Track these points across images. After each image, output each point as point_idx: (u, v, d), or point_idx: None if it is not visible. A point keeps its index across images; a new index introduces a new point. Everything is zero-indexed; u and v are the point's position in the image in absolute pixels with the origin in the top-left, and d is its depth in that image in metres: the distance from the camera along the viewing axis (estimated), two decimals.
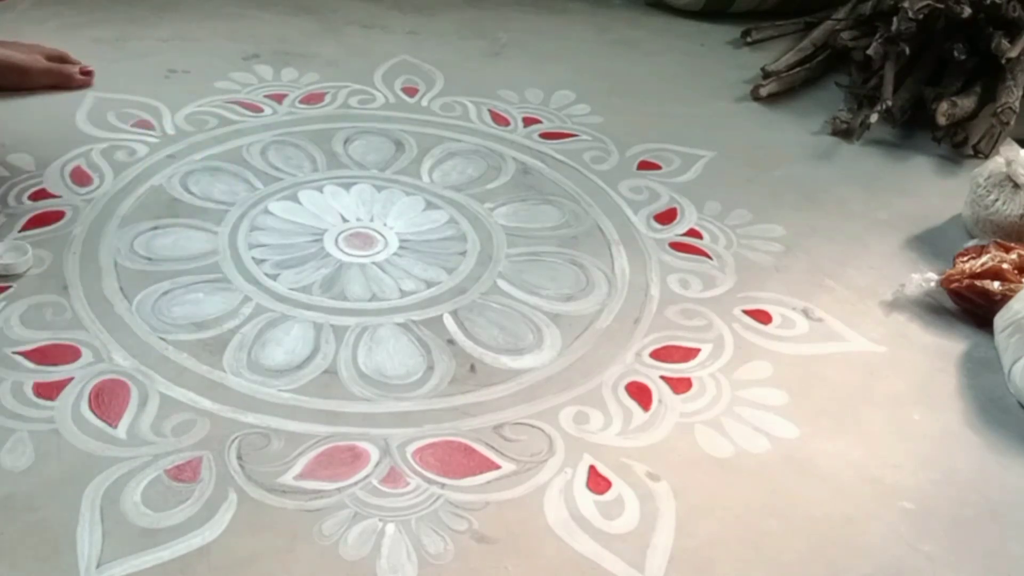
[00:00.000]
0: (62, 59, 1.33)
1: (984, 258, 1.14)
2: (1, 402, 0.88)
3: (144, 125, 1.32)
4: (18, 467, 0.82)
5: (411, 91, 1.47)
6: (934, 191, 1.38)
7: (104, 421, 0.87)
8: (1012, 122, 1.45)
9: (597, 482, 0.87)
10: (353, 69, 1.51)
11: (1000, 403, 1.01)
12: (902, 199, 1.35)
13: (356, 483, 0.84)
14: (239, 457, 0.85)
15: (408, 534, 0.80)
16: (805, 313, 1.11)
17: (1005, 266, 1.12)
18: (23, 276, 1.02)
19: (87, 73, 1.32)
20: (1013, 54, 1.48)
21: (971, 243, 1.22)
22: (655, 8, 1.87)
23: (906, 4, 1.52)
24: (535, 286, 1.10)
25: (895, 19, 1.53)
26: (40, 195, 1.16)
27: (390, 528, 0.80)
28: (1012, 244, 1.17)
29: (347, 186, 1.24)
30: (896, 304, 1.14)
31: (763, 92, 1.57)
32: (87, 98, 1.34)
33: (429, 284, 1.09)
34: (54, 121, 1.29)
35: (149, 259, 1.08)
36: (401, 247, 1.14)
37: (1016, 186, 1.23)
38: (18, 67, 1.29)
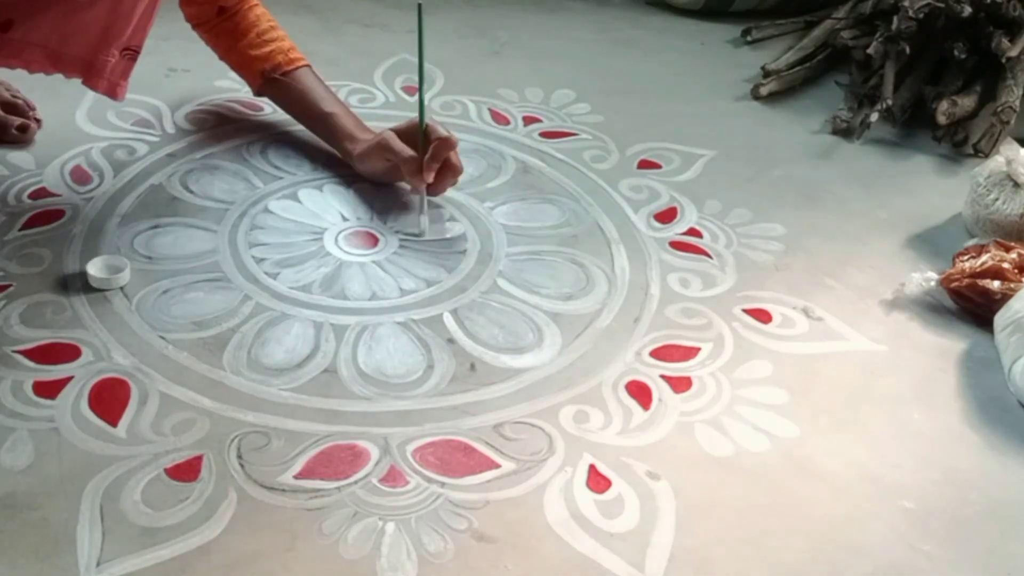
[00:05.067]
0: (14, 107, 1.26)
1: (984, 257, 1.14)
2: (1, 401, 0.88)
3: (144, 124, 1.32)
4: (18, 466, 0.82)
5: (411, 90, 1.47)
6: (934, 190, 1.38)
7: (104, 420, 0.87)
8: (1012, 121, 1.45)
9: (597, 481, 0.87)
10: (353, 68, 1.51)
11: (1000, 402, 1.01)
12: (902, 198, 1.35)
13: (356, 482, 0.84)
14: (239, 456, 0.85)
15: (408, 533, 0.80)
16: (805, 312, 1.11)
17: (1005, 265, 1.12)
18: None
19: (24, 129, 1.24)
20: (1013, 53, 1.48)
21: (971, 242, 1.22)
22: (655, 7, 1.87)
23: (906, 3, 1.52)
24: (535, 285, 1.10)
25: (895, 18, 1.53)
26: (40, 194, 1.16)
27: (390, 527, 0.80)
28: (1012, 243, 1.17)
29: (347, 185, 1.24)
30: (896, 303, 1.14)
31: (763, 91, 1.57)
32: (87, 97, 1.34)
33: (429, 283, 1.09)
34: (54, 120, 1.29)
35: (149, 258, 1.07)
36: (401, 246, 1.14)
37: (1016, 185, 1.23)
38: None
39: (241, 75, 1.30)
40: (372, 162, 1.20)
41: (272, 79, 1.26)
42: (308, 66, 1.28)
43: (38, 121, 1.27)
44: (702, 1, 1.84)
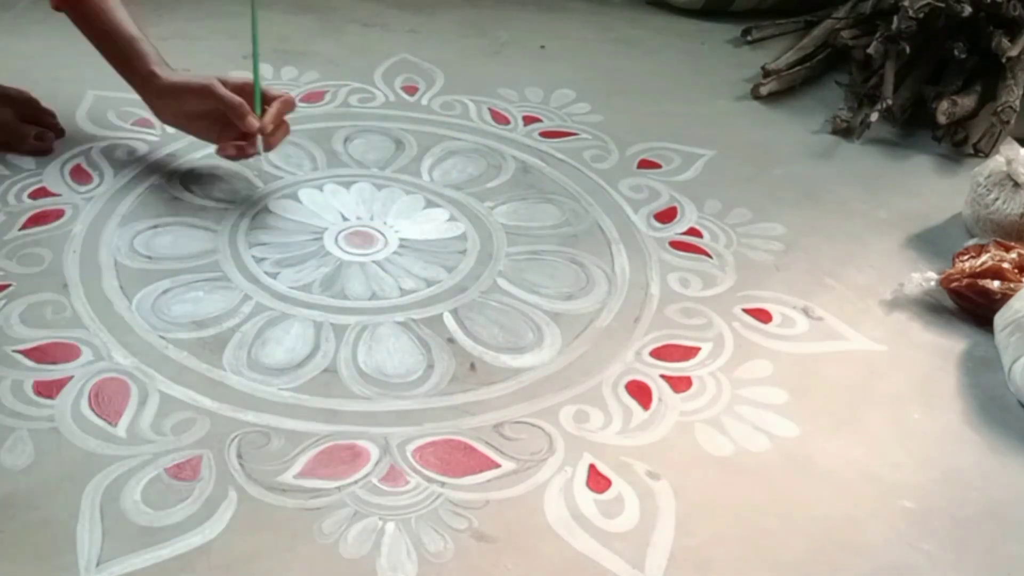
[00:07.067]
0: (35, 116, 1.24)
1: (984, 257, 1.13)
2: (1, 400, 0.88)
3: (144, 123, 1.31)
4: (18, 466, 0.82)
5: (411, 89, 1.47)
6: (934, 190, 1.38)
7: (104, 420, 0.87)
8: (1012, 121, 1.45)
9: (597, 481, 0.87)
10: (353, 67, 1.51)
11: (1000, 402, 1.01)
12: (902, 198, 1.35)
13: (356, 482, 0.84)
14: (239, 455, 0.85)
15: (408, 533, 0.80)
16: (805, 312, 1.11)
17: (1005, 265, 1.12)
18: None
19: (41, 139, 1.21)
20: (1013, 53, 1.47)
21: (971, 242, 1.21)
22: (655, 7, 1.87)
23: (906, 3, 1.52)
24: (535, 285, 1.10)
25: (895, 18, 1.53)
26: (40, 193, 1.16)
27: (390, 527, 0.80)
28: (1012, 243, 1.17)
29: (347, 184, 1.24)
30: (896, 303, 1.14)
31: (763, 91, 1.57)
32: (87, 96, 1.34)
33: (429, 283, 1.09)
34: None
35: (149, 257, 1.07)
36: (401, 246, 1.14)
37: (1016, 185, 1.23)
38: None
39: None
40: (184, 101, 1.15)
41: None
42: None
43: (58, 129, 1.25)
44: (702, 1, 1.84)
